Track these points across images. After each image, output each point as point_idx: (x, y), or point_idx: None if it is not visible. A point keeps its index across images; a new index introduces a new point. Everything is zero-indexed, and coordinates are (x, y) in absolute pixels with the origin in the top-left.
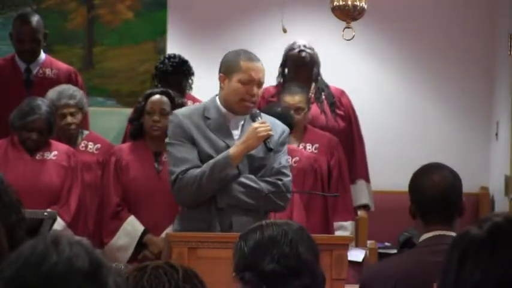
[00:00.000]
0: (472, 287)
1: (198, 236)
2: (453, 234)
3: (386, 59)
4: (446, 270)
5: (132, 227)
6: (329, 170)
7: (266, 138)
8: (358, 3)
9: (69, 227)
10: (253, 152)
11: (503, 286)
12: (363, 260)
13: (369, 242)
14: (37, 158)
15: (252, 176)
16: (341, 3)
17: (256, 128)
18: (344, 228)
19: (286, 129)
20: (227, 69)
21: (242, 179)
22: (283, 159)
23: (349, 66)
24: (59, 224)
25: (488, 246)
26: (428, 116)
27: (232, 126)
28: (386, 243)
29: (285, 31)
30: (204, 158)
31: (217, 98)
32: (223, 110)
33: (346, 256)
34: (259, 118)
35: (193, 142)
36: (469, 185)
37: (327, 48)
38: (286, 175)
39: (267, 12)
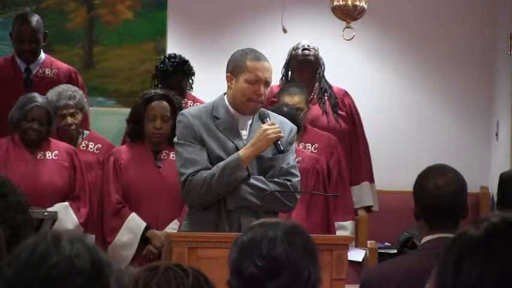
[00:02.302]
0: (469, 287)
1: (198, 236)
2: None
3: (386, 59)
4: (443, 271)
5: (134, 223)
6: (328, 169)
7: (276, 140)
8: (358, 3)
9: (81, 226)
10: (261, 153)
11: (501, 286)
12: (363, 260)
13: (369, 242)
14: (38, 157)
15: (261, 177)
16: (341, 3)
17: (266, 130)
18: (344, 228)
19: (294, 127)
20: (234, 69)
21: (251, 181)
22: (291, 159)
23: (349, 66)
24: (72, 222)
25: (485, 247)
26: (428, 116)
27: (241, 126)
28: (387, 243)
29: (285, 31)
30: (213, 159)
31: (225, 97)
32: (232, 109)
33: (346, 256)
34: (268, 119)
35: (202, 143)
36: (469, 185)
37: (327, 48)
38: (295, 175)
39: (267, 12)
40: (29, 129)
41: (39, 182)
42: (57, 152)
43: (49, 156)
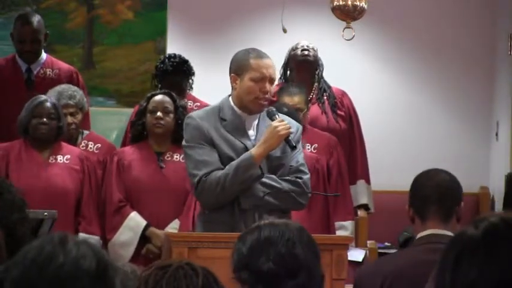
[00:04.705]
0: (468, 287)
1: (198, 236)
2: (449, 233)
3: (386, 59)
4: (442, 270)
5: (135, 222)
6: (328, 169)
7: (287, 137)
8: (358, 3)
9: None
10: (272, 151)
11: (500, 286)
12: (363, 260)
13: (368, 242)
14: (50, 160)
15: (274, 176)
16: (341, 3)
17: (276, 127)
18: (344, 228)
19: (300, 126)
20: (238, 69)
21: (265, 180)
22: (300, 157)
23: (349, 66)
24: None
25: (484, 246)
26: (428, 116)
27: (247, 126)
28: (387, 243)
29: (285, 31)
30: (223, 159)
31: (230, 98)
32: (238, 110)
33: (346, 256)
34: (277, 116)
35: (212, 144)
36: (469, 185)
37: (327, 48)
38: (305, 173)
39: (267, 12)
40: (39, 125)
41: (51, 184)
42: (69, 156)
43: (60, 160)
